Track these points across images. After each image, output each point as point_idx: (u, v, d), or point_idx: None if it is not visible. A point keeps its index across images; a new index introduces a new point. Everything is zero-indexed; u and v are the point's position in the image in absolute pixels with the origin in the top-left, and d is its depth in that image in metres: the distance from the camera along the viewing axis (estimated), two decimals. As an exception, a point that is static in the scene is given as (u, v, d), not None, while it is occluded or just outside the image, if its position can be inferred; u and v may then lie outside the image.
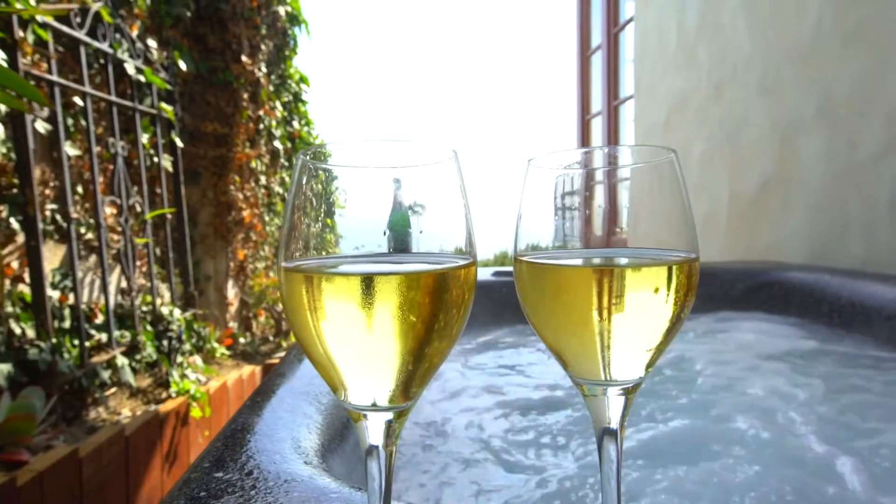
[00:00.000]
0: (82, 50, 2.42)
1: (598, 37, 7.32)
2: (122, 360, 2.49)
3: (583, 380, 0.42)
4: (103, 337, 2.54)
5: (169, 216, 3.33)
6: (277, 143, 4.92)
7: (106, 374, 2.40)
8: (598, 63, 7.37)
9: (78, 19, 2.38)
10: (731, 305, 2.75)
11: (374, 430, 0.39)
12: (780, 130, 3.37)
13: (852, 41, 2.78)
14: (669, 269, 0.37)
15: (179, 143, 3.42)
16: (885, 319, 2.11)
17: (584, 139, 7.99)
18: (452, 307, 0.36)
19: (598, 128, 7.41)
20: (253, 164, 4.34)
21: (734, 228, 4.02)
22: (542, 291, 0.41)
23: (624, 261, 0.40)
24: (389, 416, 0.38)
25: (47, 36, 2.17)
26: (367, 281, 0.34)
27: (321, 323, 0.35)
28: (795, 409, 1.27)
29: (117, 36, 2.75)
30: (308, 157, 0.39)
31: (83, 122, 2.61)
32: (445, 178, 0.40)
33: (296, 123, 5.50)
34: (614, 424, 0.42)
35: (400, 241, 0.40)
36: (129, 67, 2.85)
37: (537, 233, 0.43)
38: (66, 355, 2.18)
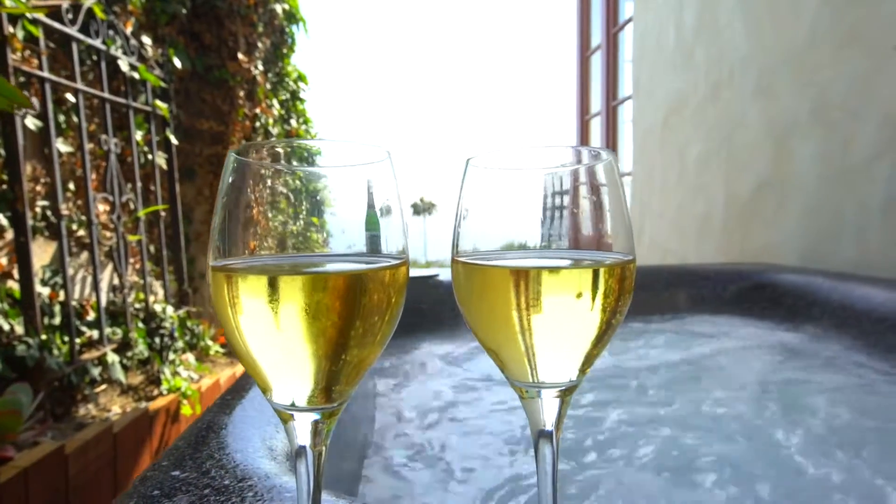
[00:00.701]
0: (74, 46, 2.42)
1: (597, 37, 7.31)
2: (112, 357, 2.49)
3: (518, 382, 0.42)
4: (95, 334, 2.55)
5: (163, 213, 3.34)
6: (274, 142, 4.92)
7: (96, 371, 2.40)
8: (597, 63, 7.36)
9: (70, 16, 2.38)
10: (722, 307, 2.74)
11: (301, 430, 0.39)
12: (776, 132, 3.36)
13: (847, 43, 2.77)
14: (595, 273, 0.37)
15: (174, 141, 3.42)
16: (875, 322, 2.10)
17: (584, 139, 7.98)
18: (373, 309, 0.35)
19: (596, 128, 7.40)
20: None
21: (730, 230, 4.01)
22: (472, 293, 0.40)
23: (549, 263, 0.39)
24: (316, 416, 0.38)
25: (38, 32, 2.17)
26: (275, 281, 0.34)
27: (240, 323, 0.35)
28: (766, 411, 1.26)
29: (111, 32, 2.75)
30: (238, 156, 0.38)
31: (75, 119, 2.62)
32: (379, 179, 0.40)
33: (293, 122, 5.50)
34: (549, 426, 0.42)
35: (334, 242, 0.40)
36: (123, 64, 2.85)
37: (474, 234, 0.42)
38: (55, 352, 2.18)
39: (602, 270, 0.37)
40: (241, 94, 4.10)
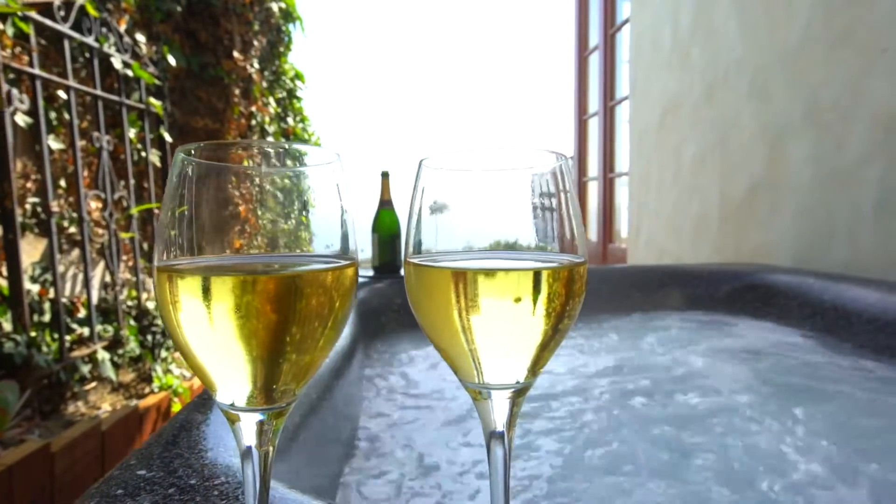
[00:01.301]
0: (66, 43, 2.42)
1: (595, 37, 7.31)
2: (102, 355, 2.49)
3: (467, 384, 0.42)
4: (86, 331, 2.54)
5: (157, 211, 3.33)
6: (271, 140, 4.91)
7: (86, 369, 2.40)
8: (595, 63, 7.36)
9: (62, 13, 2.38)
10: (714, 307, 2.75)
11: (246, 430, 0.38)
12: (769, 134, 3.36)
13: (839, 45, 2.77)
14: (537, 275, 0.37)
15: (168, 139, 3.41)
16: (866, 323, 2.11)
17: (581, 139, 7.98)
18: (311, 313, 0.35)
19: (594, 128, 7.40)
20: (245, 163, 4.33)
21: (724, 230, 4.01)
22: (420, 294, 0.40)
23: (491, 265, 0.39)
24: (260, 416, 0.38)
25: (28, 29, 2.16)
26: (209, 282, 0.34)
27: (180, 323, 0.35)
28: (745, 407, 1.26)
29: (104, 30, 2.75)
30: (186, 155, 0.38)
31: (67, 116, 2.61)
32: (326, 181, 0.40)
33: (290, 120, 5.50)
34: (500, 427, 0.42)
35: (282, 243, 0.40)
36: (116, 62, 2.85)
37: (425, 235, 0.42)
38: (44, 349, 2.18)
39: (545, 273, 0.37)
40: (237, 92, 4.10)
